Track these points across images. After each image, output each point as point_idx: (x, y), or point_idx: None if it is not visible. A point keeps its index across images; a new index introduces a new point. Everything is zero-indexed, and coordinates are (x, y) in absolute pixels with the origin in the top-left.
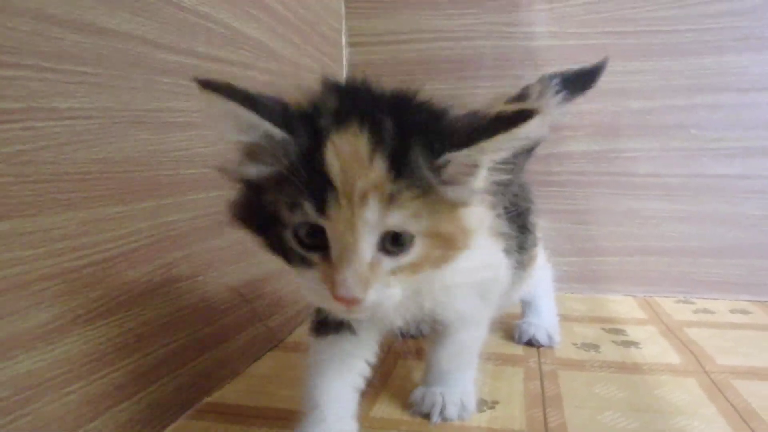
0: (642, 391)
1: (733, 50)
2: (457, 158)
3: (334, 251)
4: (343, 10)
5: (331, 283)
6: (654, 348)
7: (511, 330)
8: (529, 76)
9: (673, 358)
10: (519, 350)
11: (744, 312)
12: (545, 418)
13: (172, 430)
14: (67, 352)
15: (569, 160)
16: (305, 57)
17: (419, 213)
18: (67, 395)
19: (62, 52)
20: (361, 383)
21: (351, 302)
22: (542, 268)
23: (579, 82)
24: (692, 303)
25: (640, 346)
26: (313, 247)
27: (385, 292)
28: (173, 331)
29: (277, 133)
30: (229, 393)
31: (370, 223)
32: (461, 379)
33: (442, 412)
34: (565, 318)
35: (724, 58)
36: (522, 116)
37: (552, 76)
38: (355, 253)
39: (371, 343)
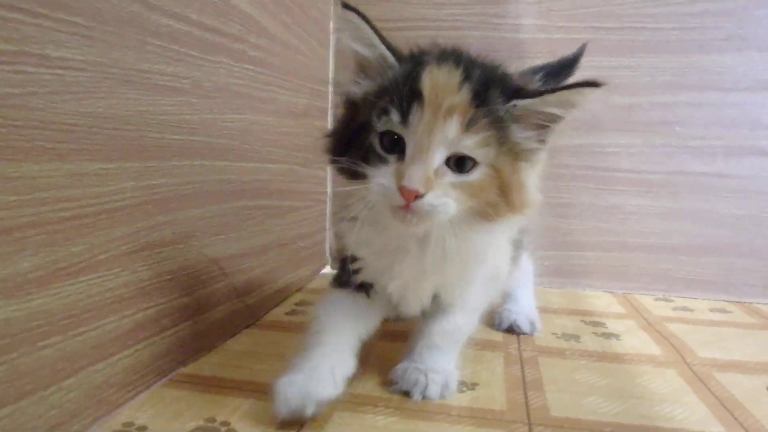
0: (623, 379)
1: (716, 49)
2: (525, 106)
3: (409, 152)
4: None
5: (400, 175)
6: (634, 340)
7: (490, 318)
8: (515, 68)
9: (654, 349)
10: (498, 337)
11: (723, 311)
12: (526, 400)
13: (147, 397)
14: (46, 304)
15: (552, 153)
16: (294, 38)
17: (488, 144)
18: (43, 349)
19: (57, 0)
20: (362, 336)
21: (413, 195)
22: (525, 260)
23: (560, 72)
24: (671, 301)
25: (620, 338)
26: (391, 150)
27: (441, 199)
28: (152, 297)
29: (389, 56)
30: (205, 366)
31: (447, 137)
32: (446, 358)
33: (424, 391)
34: (544, 310)
35: (708, 56)
36: (585, 84)
37: (535, 71)
38: (426, 156)
39: (378, 314)
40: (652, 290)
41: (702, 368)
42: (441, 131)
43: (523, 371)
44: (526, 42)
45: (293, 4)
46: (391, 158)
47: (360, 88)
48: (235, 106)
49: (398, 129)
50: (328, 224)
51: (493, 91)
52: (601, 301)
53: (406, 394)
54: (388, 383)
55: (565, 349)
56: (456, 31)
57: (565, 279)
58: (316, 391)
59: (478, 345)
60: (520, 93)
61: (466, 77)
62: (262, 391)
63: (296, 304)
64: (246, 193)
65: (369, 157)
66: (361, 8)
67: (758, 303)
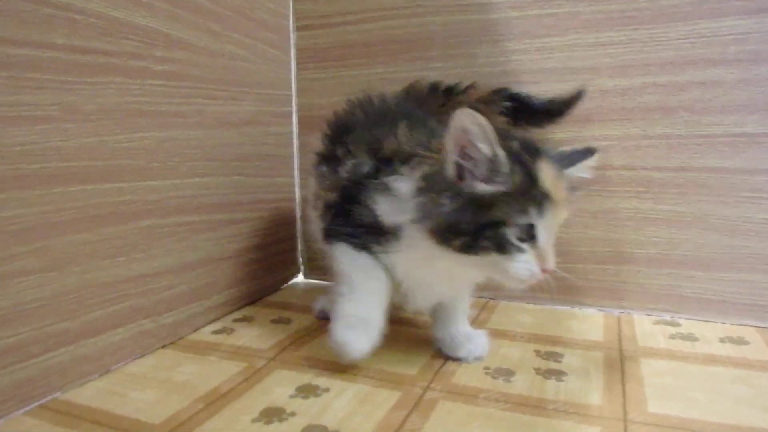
0: None
1: (734, 11)
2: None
3: (543, 240)
4: None
5: (542, 260)
6: (579, 382)
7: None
8: (485, 54)
9: (594, 398)
10: (414, 370)
11: (739, 341)
12: None
13: (4, 424)
14: None
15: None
16: (228, 44)
17: (567, 210)
18: None
19: None
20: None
21: (551, 272)
22: None
23: (542, 114)
24: (677, 325)
25: (564, 377)
26: (524, 239)
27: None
28: (13, 325)
29: (504, 158)
30: (85, 391)
31: (560, 219)
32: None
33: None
34: (502, 334)
35: (724, 21)
36: (591, 151)
37: (509, 96)
38: (552, 239)
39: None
40: (656, 311)
41: (638, 427)
42: (560, 217)
43: (405, 419)
44: (496, 23)
45: (226, 10)
46: (525, 246)
47: (487, 188)
48: (135, 125)
49: (535, 221)
50: (298, 232)
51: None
52: (583, 324)
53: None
54: (488, 374)
55: (482, 390)
56: (418, 18)
57: (549, 294)
58: (372, 339)
59: (384, 379)
60: (565, 161)
61: (558, 168)
62: (116, 428)
63: (235, 320)
64: (155, 211)
65: (503, 246)
66: (318, 4)
67: None
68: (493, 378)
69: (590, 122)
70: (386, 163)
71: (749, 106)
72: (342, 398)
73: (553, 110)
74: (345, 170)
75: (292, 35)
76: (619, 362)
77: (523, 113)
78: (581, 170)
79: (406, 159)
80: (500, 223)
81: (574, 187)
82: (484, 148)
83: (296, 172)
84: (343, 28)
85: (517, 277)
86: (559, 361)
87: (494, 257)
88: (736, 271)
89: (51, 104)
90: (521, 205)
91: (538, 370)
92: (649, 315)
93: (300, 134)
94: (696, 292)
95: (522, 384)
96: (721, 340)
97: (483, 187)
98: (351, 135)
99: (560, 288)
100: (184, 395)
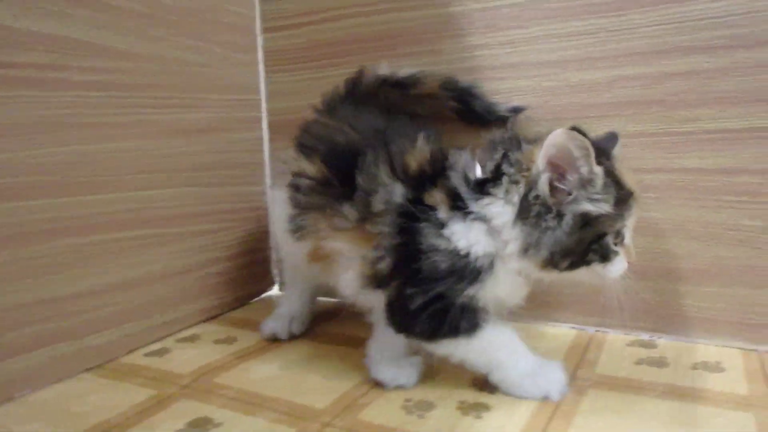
0: None
1: None
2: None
3: (627, 236)
4: None
5: (628, 255)
6: (497, 421)
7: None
8: (449, 50)
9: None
10: (325, 402)
11: (713, 368)
12: None
13: None
14: None
15: None
16: (176, 50)
17: None
18: None
19: None
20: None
21: (632, 264)
22: None
23: (481, 118)
24: (652, 347)
25: (483, 414)
26: (618, 242)
27: None
28: None
29: (600, 173)
30: None
31: None
32: None
33: None
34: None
35: (695, 5)
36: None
37: (454, 93)
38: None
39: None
40: (634, 329)
41: None
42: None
43: None
44: (459, 16)
45: (172, 14)
46: (619, 247)
47: (597, 207)
48: (53, 139)
49: (625, 223)
50: (272, 242)
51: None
52: (550, 344)
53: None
54: (404, 408)
55: (389, 429)
56: (382, 15)
57: (522, 310)
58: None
59: (285, 413)
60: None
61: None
62: None
63: (179, 340)
64: (80, 229)
65: (607, 256)
66: (285, 4)
67: None
68: (408, 413)
69: (559, 120)
70: (418, 183)
71: (729, 97)
72: None
73: (489, 119)
74: (378, 202)
75: (259, 37)
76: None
77: (465, 113)
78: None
79: (494, 180)
80: (603, 235)
81: None
82: (584, 170)
83: (268, 180)
84: (309, 28)
85: (613, 278)
86: (493, 393)
87: (597, 266)
88: (721, 285)
89: None
90: (620, 212)
91: (461, 404)
92: (627, 334)
93: (271, 140)
94: (677, 309)
95: (433, 422)
96: (694, 367)
97: (588, 207)
98: (364, 159)
99: (535, 303)
100: (66, 428)
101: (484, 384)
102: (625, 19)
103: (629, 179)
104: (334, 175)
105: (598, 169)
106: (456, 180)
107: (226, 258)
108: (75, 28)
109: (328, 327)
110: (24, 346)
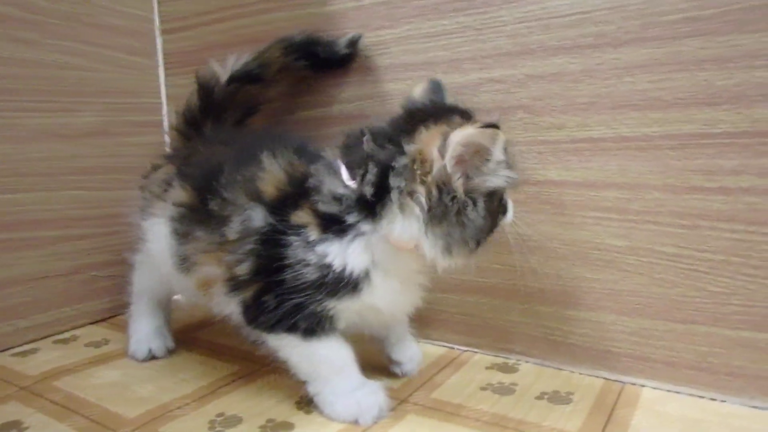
0: None
1: None
2: None
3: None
4: None
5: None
6: None
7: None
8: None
9: None
10: (135, 412)
11: (560, 399)
12: None
13: None
14: None
15: None
16: (54, 53)
17: None
18: None
19: None
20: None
21: None
22: None
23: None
24: (511, 371)
25: None
26: None
27: None
28: None
29: (505, 139)
30: None
31: None
32: None
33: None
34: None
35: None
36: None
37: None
38: None
39: None
40: (502, 350)
41: None
42: None
43: None
44: (336, 15)
45: (51, 18)
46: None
47: (508, 179)
48: None
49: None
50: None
51: None
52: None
53: None
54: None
55: None
56: (265, 14)
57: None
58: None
59: (94, 421)
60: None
61: None
62: None
63: (56, 341)
64: None
65: (507, 208)
66: (179, 4)
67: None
68: (210, 428)
69: None
70: (279, 206)
71: (594, 104)
72: None
73: (337, 59)
74: (236, 229)
75: (158, 39)
76: None
77: (317, 65)
78: None
79: (380, 198)
80: (502, 196)
81: None
82: (495, 157)
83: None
84: (202, 29)
85: (505, 224)
86: (310, 412)
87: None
88: (586, 309)
89: None
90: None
91: (268, 422)
92: (495, 356)
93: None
94: (542, 332)
95: None
96: (540, 396)
97: (499, 182)
98: (220, 180)
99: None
100: None
101: (306, 402)
102: (491, 16)
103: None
104: (199, 199)
105: (503, 151)
106: (325, 204)
107: (116, 261)
108: None
109: (201, 335)
110: None
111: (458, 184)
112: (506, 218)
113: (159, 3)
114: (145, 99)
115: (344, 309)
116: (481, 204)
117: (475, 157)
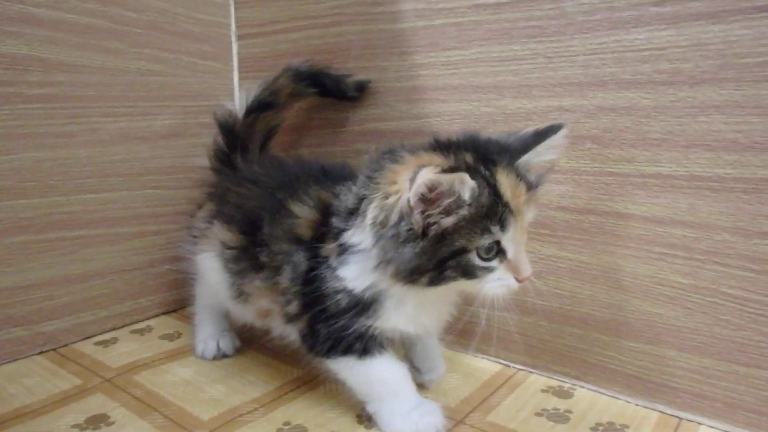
0: None
1: (649, 20)
2: (525, 163)
3: (511, 251)
4: (230, 0)
5: (516, 271)
6: None
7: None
8: (395, 67)
9: None
10: (210, 414)
11: (617, 428)
12: None
13: None
14: None
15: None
16: (137, 60)
17: (533, 208)
18: None
19: None
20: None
21: (529, 278)
22: None
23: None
24: (567, 396)
25: None
26: (491, 258)
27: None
28: None
29: (475, 188)
30: None
31: (526, 224)
32: None
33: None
34: None
35: (638, 33)
36: (555, 128)
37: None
38: (523, 246)
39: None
40: (558, 373)
41: None
42: (524, 222)
43: None
44: (405, 34)
45: (135, 27)
46: (494, 263)
47: (447, 221)
48: (3, 149)
49: (499, 238)
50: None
51: (521, 169)
52: (465, 376)
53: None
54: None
55: None
56: (337, 27)
57: (453, 338)
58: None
59: (173, 421)
60: (515, 153)
61: (517, 172)
62: None
63: (133, 331)
64: (30, 228)
65: (469, 272)
66: (255, 11)
67: None
68: None
69: None
70: (314, 242)
71: (666, 140)
72: None
73: (344, 94)
74: (288, 277)
75: (234, 44)
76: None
77: (324, 93)
78: (544, 153)
79: (350, 214)
80: (462, 251)
81: (542, 172)
82: (456, 195)
83: None
84: (274, 37)
85: (492, 295)
86: (370, 428)
87: (465, 282)
88: (645, 341)
89: None
90: (483, 226)
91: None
92: (550, 377)
93: None
94: (600, 359)
95: None
96: (595, 428)
97: (445, 221)
98: (264, 231)
99: (462, 332)
100: None
101: (367, 419)
102: (564, 45)
103: (513, 194)
104: (247, 242)
105: (468, 188)
106: (341, 220)
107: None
108: (30, 46)
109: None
110: None
111: (416, 218)
112: (480, 284)
113: (236, 9)
114: (219, 102)
115: (382, 327)
116: (421, 244)
117: (439, 198)
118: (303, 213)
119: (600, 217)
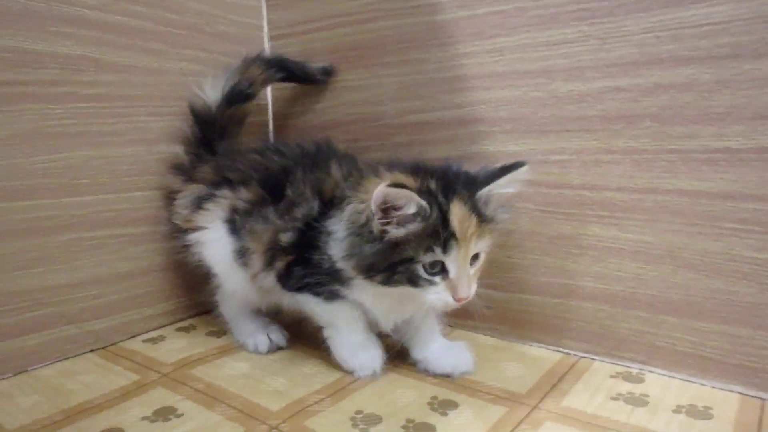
0: None
1: None
2: (486, 195)
3: (452, 272)
4: (263, 3)
5: (454, 291)
6: None
7: None
8: (436, 59)
9: None
10: (277, 405)
11: (699, 414)
12: None
13: None
14: None
15: (484, 163)
16: (179, 61)
17: (485, 238)
18: None
19: None
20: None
21: (466, 299)
22: None
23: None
24: (639, 381)
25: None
26: (435, 273)
27: (473, 288)
28: None
29: (424, 205)
30: None
31: (471, 252)
32: None
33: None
34: (418, 374)
35: (696, 9)
36: (517, 165)
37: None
38: (465, 271)
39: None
40: (623, 359)
41: None
42: (469, 251)
43: None
44: (446, 24)
45: (176, 28)
46: (437, 279)
47: (400, 232)
48: (56, 147)
49: (441, 258)
50: None
51: (479, 203)
52: (525, 367)
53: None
54: (352, 422)
55: None
56: (372, 23)
57: (506, 327)
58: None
59: (240, 412)
60: (479, 185)
61: (471, 205)
62: None
63: (178, 329)
64: (80, 225)
65: (414, 281)
66: (287, 12)
67: None
68: (353, 425)
69: (545, 133)
70: (328, 205)
71: (731, 114)
72: (186, 426)
73: (309, 78)
74: (300, 212)
75: (266, 45)
76: (511, 427)
77: (291, 78)
78: (506, 186)
79: (340, 202)
80: (410, 260)
81: (503, 204)
82: (405, 208)
83: None
84: (306, 36)
85: (431, 305)
86: (445, 414)
87: (410, 289)
88: (719, 321)
89: None
90: (427, 244)
91: (408, 423)
92: (615, 363)
93: None
94: (669, 342)
95: None
96: (677, 410)
97: (397, 231)
98: (294, 176)
99: (516, 322)
100: (55, 404)
101: (441, 405)
102: (616, 25)
103: (461, 224)
104: (268, 193)
105: (419, 204)
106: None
107: None
108: (83, 47)
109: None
110: (36, 325)
111: (375, 223)
112: (422, 292)
113: (268, 12)
114: (253, 101)
115: (352, 295)
116: (378, 246)
117: (392, 207)
118: (335, 175)
119: (663, 195)
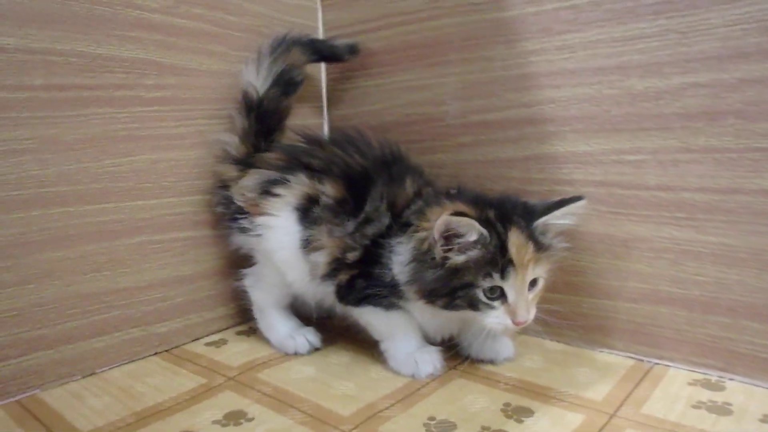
0: None
1: None
2: (543, 225)
3: (511, 297)
4: (318, 4)
5: (512, 315)
6: None
7: None
8: (501, 57)
9: None
10: (348, 410)
11: None
12: None
13: None
14: None
15: (553, 164)
16: (238, 64)
17: (543, 265)
18: None
19: None
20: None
21: (524, 323)
22: None
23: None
24: (719, 389)
25: None
26: (494, 298)
27: (532, 313)
28: None
29: (485, 234)
30: (59, 392)
31: (529, 278)
32: None
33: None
34: (489, 376)
35: None
36: (575, 198)
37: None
38: (523, 296)
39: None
40: (701, 366)
41: None
42: (526, 278)
43: None
44: (512, 21)
45: (236, 31)
46: (496, 303)
47: (460, 258)
48: (122, 150)
49: (500, 284)
50: None
51: (536, 233)
52: (597, 373)
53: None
54: (425, 427)
55: None
56: (434, 21)
57: (574, 332)
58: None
59: (312, 416)
60: (536, 215)
61: (528, 234)
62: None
63: (239, 333)
64: (146, 229)
65: (474, 305)
66: (343, 13)
67: None
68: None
69: (618, 132)
70: (397, 220)
71: None
72: (258, 429)
73: (338, 57)
74: (371, 230)
75: None
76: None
77: (322, 58)
78: (562, 217)
79: (404, 226)
80: (470, 285)
81: (557, 234)
82: (466, 236)
83: None
84: (365, 36)
85: (491, 329)
86: (521, 421)
87: (470, 312)
88: None
89: (27, 138)
90: (486, 270)
91: (484, 429)
92: (692, 371)
93: None
94: (751, 349)
95: None
96: (763, 419)
97: (458, 258)
98: (375, 189)
99: (586, 327)
100: (126, 406)
101: (515, 411)
102: (698, 18)
103: (518, 251)
104: (351, 196)
105: (480, 233)
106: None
107: None
108: (147, 50)
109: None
110: (104, 328)
111: (438, 249)
112: (481, 316)
113: (323, 13)
114: (308, 103)
115: (408, 307)
116: (439, 272)
117: (454, 235)
118: (409, 191)
119: (747, 195)
